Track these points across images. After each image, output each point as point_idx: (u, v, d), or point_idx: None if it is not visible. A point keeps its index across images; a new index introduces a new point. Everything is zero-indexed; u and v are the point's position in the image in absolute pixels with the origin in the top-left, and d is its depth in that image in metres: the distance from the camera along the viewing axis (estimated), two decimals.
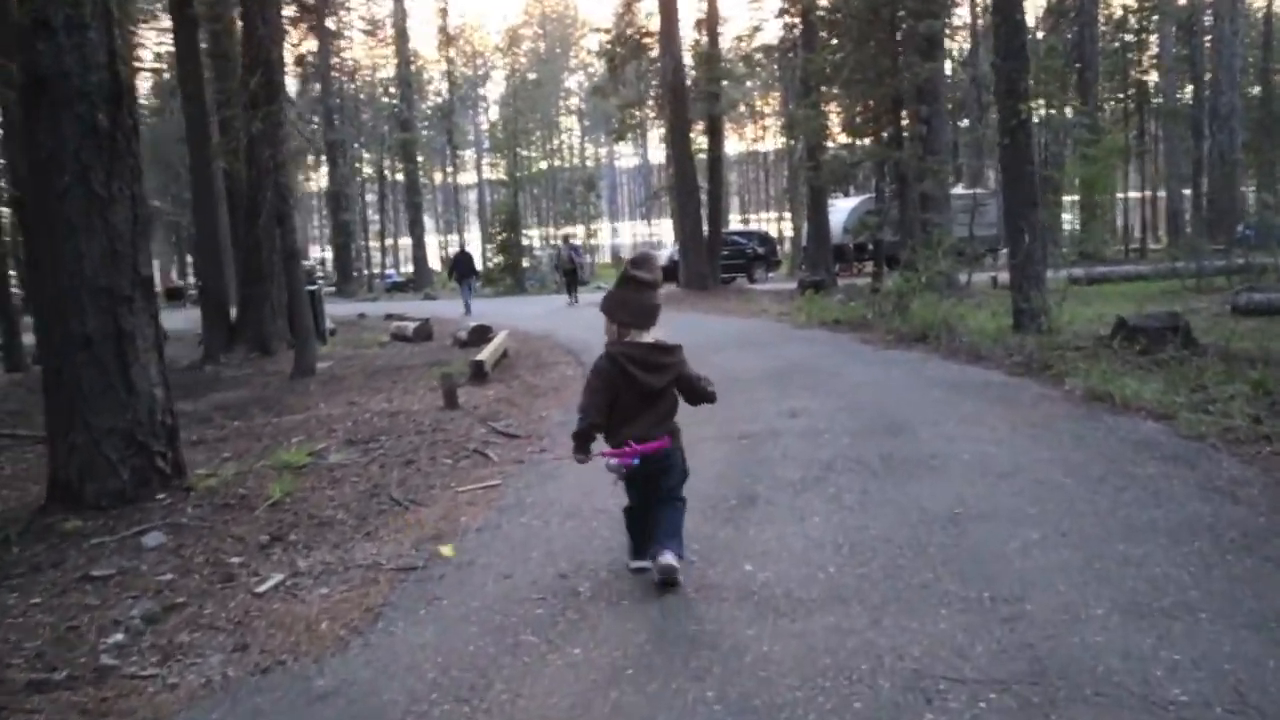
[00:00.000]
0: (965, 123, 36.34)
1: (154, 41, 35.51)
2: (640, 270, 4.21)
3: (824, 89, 23.46)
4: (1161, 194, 50.85)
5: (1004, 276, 22.53)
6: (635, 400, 4.07)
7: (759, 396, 8.99)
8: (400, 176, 52.94)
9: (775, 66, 38.45)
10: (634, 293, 4.15)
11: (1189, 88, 46.18)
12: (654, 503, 4.19)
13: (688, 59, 28.52)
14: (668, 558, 4.02)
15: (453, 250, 44.51)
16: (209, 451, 8.56)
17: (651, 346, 4.11)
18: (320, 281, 24.56)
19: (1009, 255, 13.40)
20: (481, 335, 15.96)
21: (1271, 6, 50.10)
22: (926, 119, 20.71)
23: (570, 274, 27.28)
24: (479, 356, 12.28)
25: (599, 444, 4.20)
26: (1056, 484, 5.30)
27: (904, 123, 20.87)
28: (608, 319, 4.19)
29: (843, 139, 25.17)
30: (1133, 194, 50.33)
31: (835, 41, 23.20)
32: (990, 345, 11.19)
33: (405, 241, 57.99)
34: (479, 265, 46.34)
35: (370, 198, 61.02)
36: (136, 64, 37.28)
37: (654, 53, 28.22)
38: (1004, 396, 8.31)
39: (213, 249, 18.76)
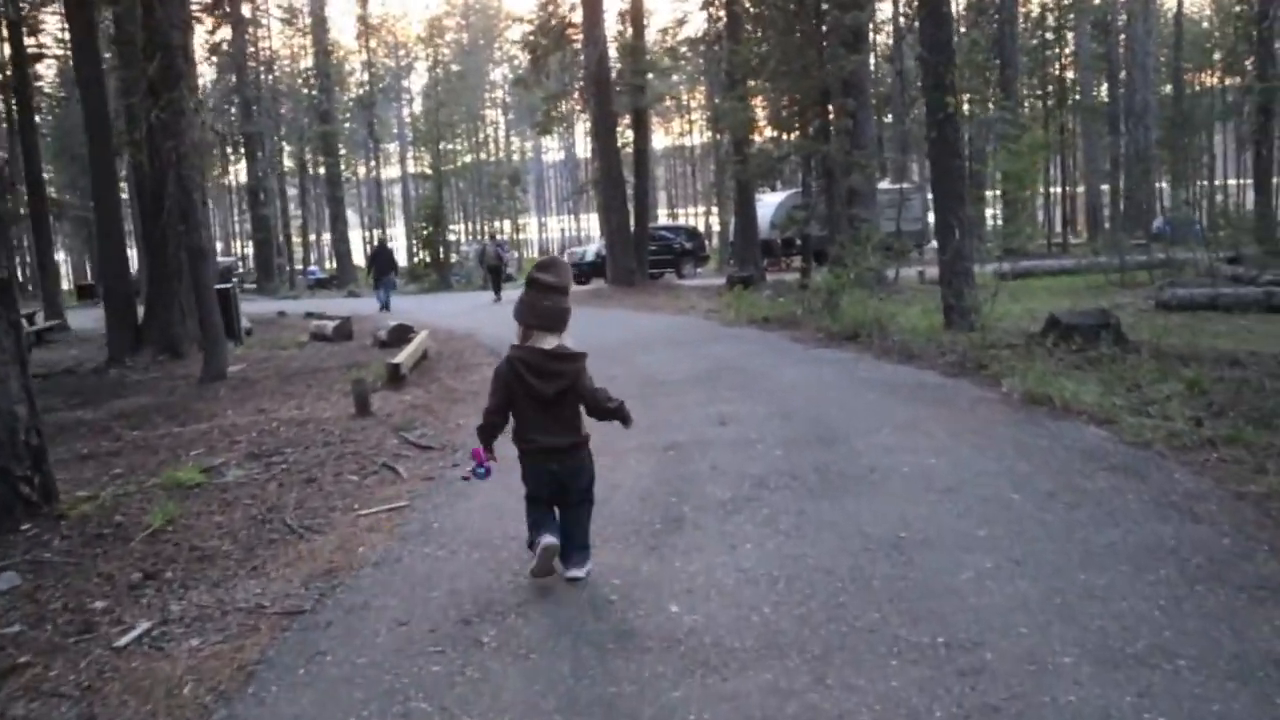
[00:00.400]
0: (890, 119, 36.40)
1: (59, 25, 34.06)
2: (544, 274, 4.17)
3: (750, 82, 23.11)
4: (1080, 189, 51.72)
5: (931, 271, 22.50)
6: (531, 404, 4.09)
7: (687, 401, 8.57)
8: (323, 170, 51.52)
9: (701, 60, 38.14)
10: (539, 296, 4.12)
11: (1104, 85, 47.00)
12: (565, 505, 4.22)
13: (612, 51, 28.03)
14: (573, 572, 4.15)
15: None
16: (99, 467, 7.93)
17: (548, 353, 4.08)
18: (235, 279, 23.60)
19: (938, 251, 13.19)
20: (402, 335, 15.33)
21: (1182, 7, 51.25)
22: (852, 112, 20.47)
23: (495, 270, 26.81)
24: (396, 359, 11.69)
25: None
26: (1004, 501, 4.95)
27: (830, 116, 20.61)
28: (518, 323, 4.18)
29: (769, 133, 24.90)
30: (1053, 189, 51.01)
31: (760, 33, 22.88)
32: (922, 344, 10.93)
33: (330, 237, 56.52)
34: (404, 260, 45.41)
35: (292, 192, 59.53)
36: (38, 48, 35.76)
37: (578, 44, 27.68)
38: (940, 399, 8.00)
39: (115, 245, 17.83)
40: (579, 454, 4.19)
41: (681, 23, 36.97)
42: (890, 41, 38.33)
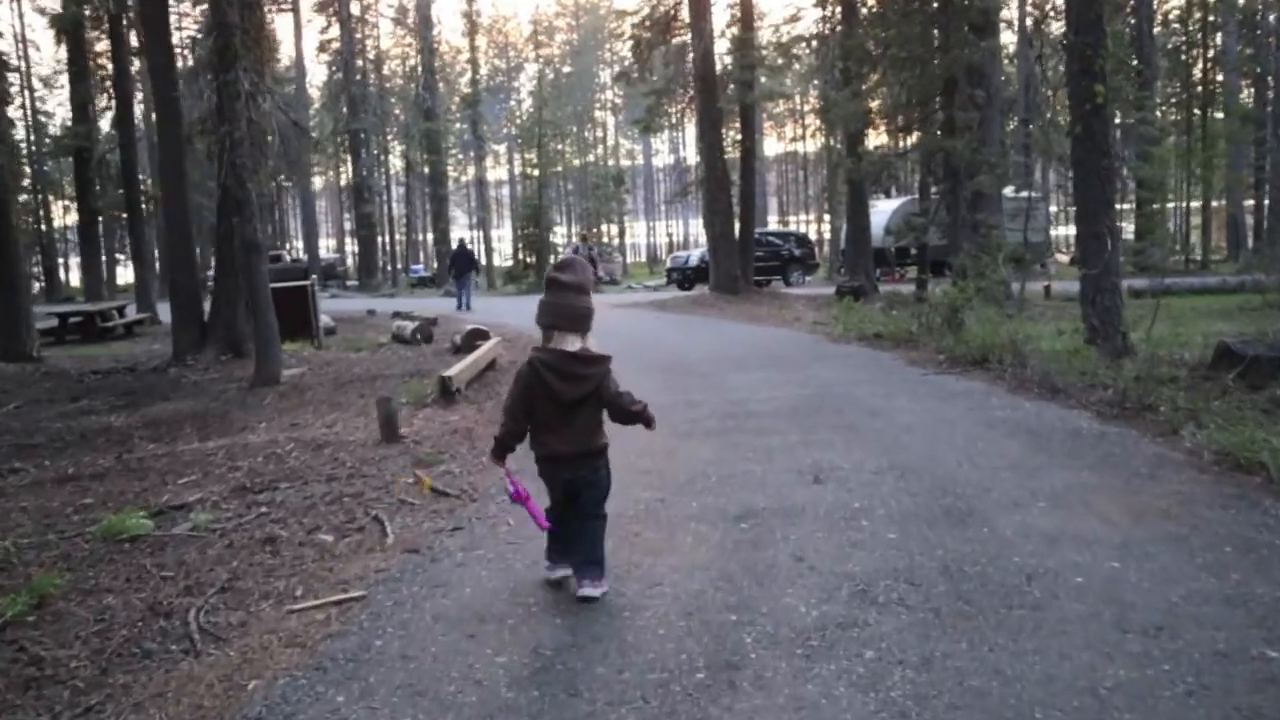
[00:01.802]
0: (1013, 126, 33.96)
1: (176, 24, 33.87)
2: (561, 274, 4.06)
3: (865, 72, 21.15)
4: (1218, 203, 47.86)
5: (1058, 287, 20.28)
6: (552, 409, 3.95)
7: (775, 444, 6.82)
8: (426, 169, 51.00)
9: (813, 58, 36.21)
10: (554, 295, 4.00)
11: (1245, 91, 43.31)
12: (574, 517, 4.04)
13: (722, 46, 26.51)
14: (586, 590, 3.92)
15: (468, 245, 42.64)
16: (71, 494, 6.71)
17: (571, 355, 3.95)
18: (313, 277, 22.65)
19: (1080, 264, 11.30)
20: (475, 340, 13.99)
21: None
22: (980, 104, 18.30)
23: None
24: (448, 372, 10.21)
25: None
26: (1257, 662, 3.06)
27: (955, 110, 18.53)
28: (540, 326, 4.05)
29: (884, 134, 23.03)
30: (1192, 202, 47.26)
31: (878, 20, 20.94)
32: (1070, 374, 8.96)
33: (432, 236, 56.13)
34: (506, 261, 44.56)
35: (400, 191, 59.53)
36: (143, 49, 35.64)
37: (684, 37, 26.18)
38: (1106, 457, 6.06)
39: (181, 238, 16.91)
40: (596, 461, 4.03)
41: (795, 19, 35.14)
42: (1015, 38, 35.79)
